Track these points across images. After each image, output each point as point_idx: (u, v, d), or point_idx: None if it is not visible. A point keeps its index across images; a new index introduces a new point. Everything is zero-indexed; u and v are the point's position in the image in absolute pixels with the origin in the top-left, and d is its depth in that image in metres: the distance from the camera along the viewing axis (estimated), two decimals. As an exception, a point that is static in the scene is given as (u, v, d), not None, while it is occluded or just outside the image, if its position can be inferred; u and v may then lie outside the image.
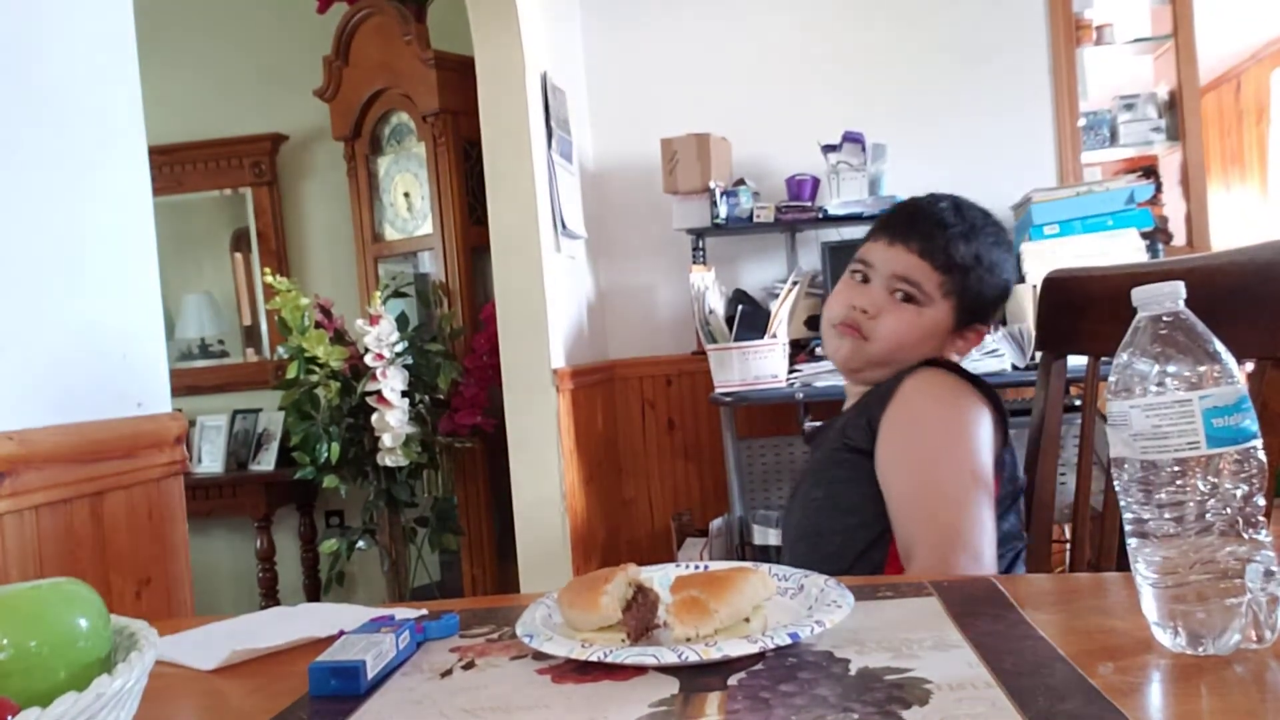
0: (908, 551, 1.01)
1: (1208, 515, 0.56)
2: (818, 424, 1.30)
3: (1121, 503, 0.60)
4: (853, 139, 2.80)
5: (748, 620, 0.64)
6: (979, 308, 1.15)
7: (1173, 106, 3.04)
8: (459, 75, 2.95)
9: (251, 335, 3.74)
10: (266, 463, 3.49)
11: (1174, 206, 3.08)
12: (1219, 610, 0.55)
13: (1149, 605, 0.58)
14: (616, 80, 3.18)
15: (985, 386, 1.11)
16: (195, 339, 3.71)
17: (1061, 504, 1.94)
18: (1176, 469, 0.56)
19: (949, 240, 1.12)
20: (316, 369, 2.73)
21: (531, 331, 2.55)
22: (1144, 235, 2.55)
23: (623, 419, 3.21)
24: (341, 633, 0.68)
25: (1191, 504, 0.56)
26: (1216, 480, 0.56)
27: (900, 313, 1.12)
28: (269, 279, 2.74)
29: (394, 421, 2.67)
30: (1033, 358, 2.51)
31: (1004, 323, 2.63)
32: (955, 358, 1.17)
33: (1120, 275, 1.03)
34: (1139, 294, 0.60)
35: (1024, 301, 2.61)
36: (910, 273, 1.12)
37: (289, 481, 3.17)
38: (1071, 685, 0.53)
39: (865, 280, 1.16)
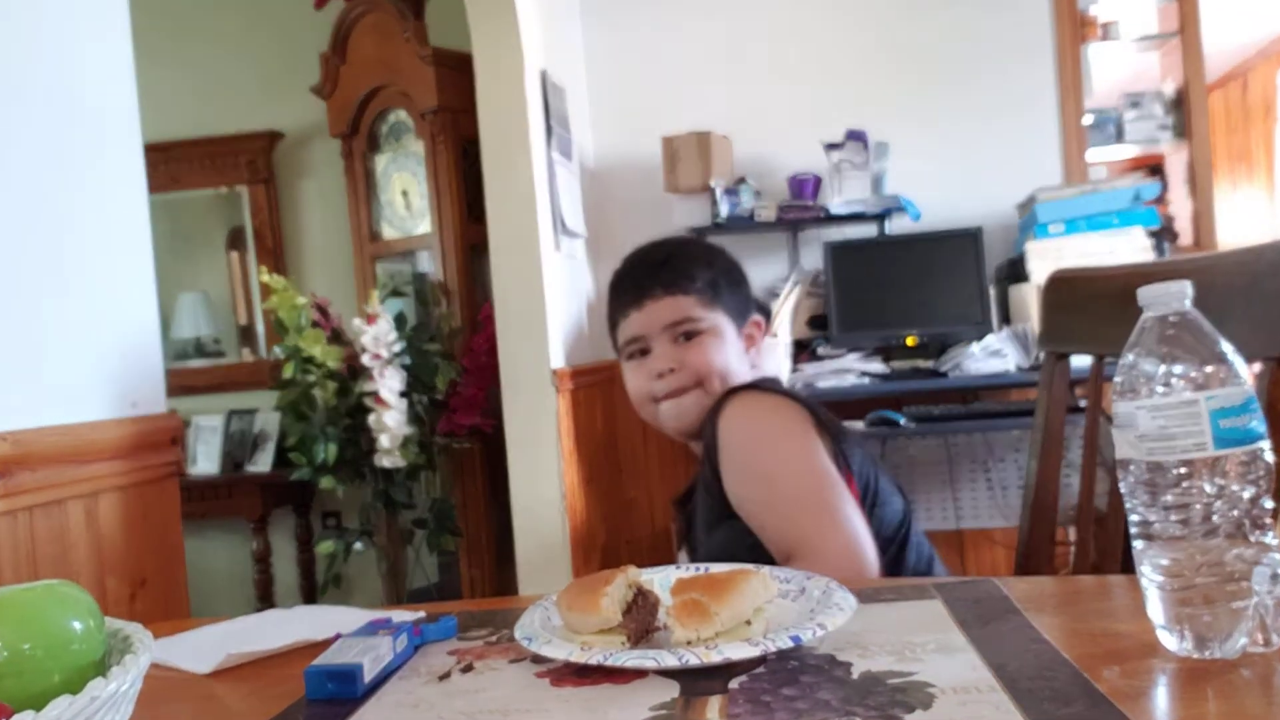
0: (787, 563, 0.99)
1: (1214, 517, 0.55)
2: (682, 497, 1.30)
3: (1127, 504, 0.59)
4: (855, 137, 2.79)
5: (749, 623, 0.64)
6: (739, 300, 1.20)
7: (1179, 104, 3.03)
8: (457, 72, 2.94)
9: (248, 335, 3.74)
10: (263, 464, 3.48)
11: (1180, 205, 3.07)
12: (1225, 613, 0.55)
13: (1154, 608, 0.58)
14: (617, 78, 3.18)
15: (791, 393, 1.13)
16: (191, 339, 3.70)
17: (1066, 506, 1.93)
18: (1183, 470, 0.56)
19: (675, 267, 1.17)
20: (313, 369, 2.72)
21: (530, 331, 2.54)
22: (1150, 234, 2.54)
23: (623, 419, 3.21)
24: (338, 635, 0.68)
25: (1198, 506, 0.56)
26: (1223, 482, 0.55)
27: (698, 347, 1.16)
28: (265, 278, 2.73)
29: (391, 422, 2.66)
30: (1036, 358, 2.50)
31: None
32: (754, 356, 1.20)
33: (1126, 275, 1.03)
34: (1145, 294, 0.59)
35: (1028, 301, 2.61)
36: (676, 313, 1.16)
37: (285, 482, 3.17)
38: (1076, 689, 0.52)
39: (645, 353, 1.19)
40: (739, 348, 1.19)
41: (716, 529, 1.09)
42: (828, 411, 1.11)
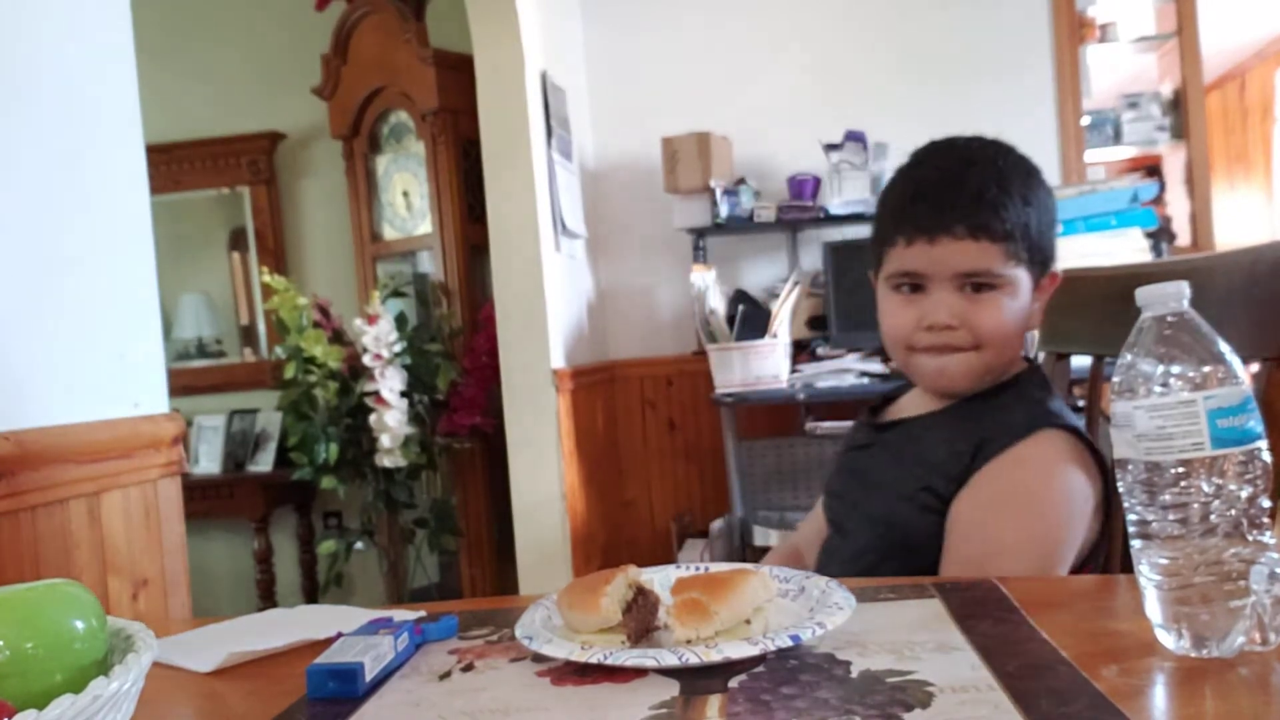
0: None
1: (1212, 517, 0.56)
2: (874, 417, 1.12)
3: (1125, 504, 0.59)
4: (855, 138, 2.79)
5: (748, 622, 0.64)
6: (1047, 252, 1.00)
7: (1177, 105, 3.04)
8: (458, 73, 2.94)
9: (249, 335, 3.74)
10: (264, 463, 3.49)
11: (1178, 205, 3.07)
12: (1223, 612, 0.55)
13: (1153, 607, 0.58)
14: (617, 78, 3.18)
15: (1095, 451, 0.97)
16: (192, 339, 3.70)
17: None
18: (1181, 470, 0.56)
19: (990, 206, 0.94)
20: (314, 369, 2.73)
21: (531, 331, 2.55)
22: (1148, 235, 2.54)
23: (623, 419, 3.21)
24: (339, 635, 0.68)
25: (1196, 505, 0.56)
26: (1221, 481, 0.56)
27: (988, 305, 0.96)
28: (267, 278, 2.74)
29: (392, 422, 2.67)
30: (1035, 358, 2.50)
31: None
32: (1039, 313, 1.02)
33: (1124, 275, 1.03)
34: (1143, 294, 0.59)
35: (1025, 301, 2.60)
36: (975, 263, 0.95)
37: (287, 482, 3.17)
38: (1075, 688, 0.52)
39: (917, 289, 0.99)
40: (1028, 307, 0.99)
41: (905, 504, 0.97)
42: (1096, 446, 0.97)
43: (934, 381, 1.01)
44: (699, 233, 2.90)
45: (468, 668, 0.66)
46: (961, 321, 0.96)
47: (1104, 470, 0.96)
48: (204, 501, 3.43)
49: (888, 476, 1.01)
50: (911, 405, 1.08)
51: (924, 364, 1.00)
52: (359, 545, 2.93)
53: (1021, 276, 0.97)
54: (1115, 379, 0.59)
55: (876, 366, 2.65)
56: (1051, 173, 2.96)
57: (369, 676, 0.62)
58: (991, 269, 0.95)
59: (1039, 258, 0.99)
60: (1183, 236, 3.01)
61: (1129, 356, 0.59)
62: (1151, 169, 3.19)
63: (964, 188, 0.96)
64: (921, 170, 1.01)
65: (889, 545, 0.98)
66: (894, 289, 1.01)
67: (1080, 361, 1.15)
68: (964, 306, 0.96)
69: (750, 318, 2.64)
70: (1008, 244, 0.95)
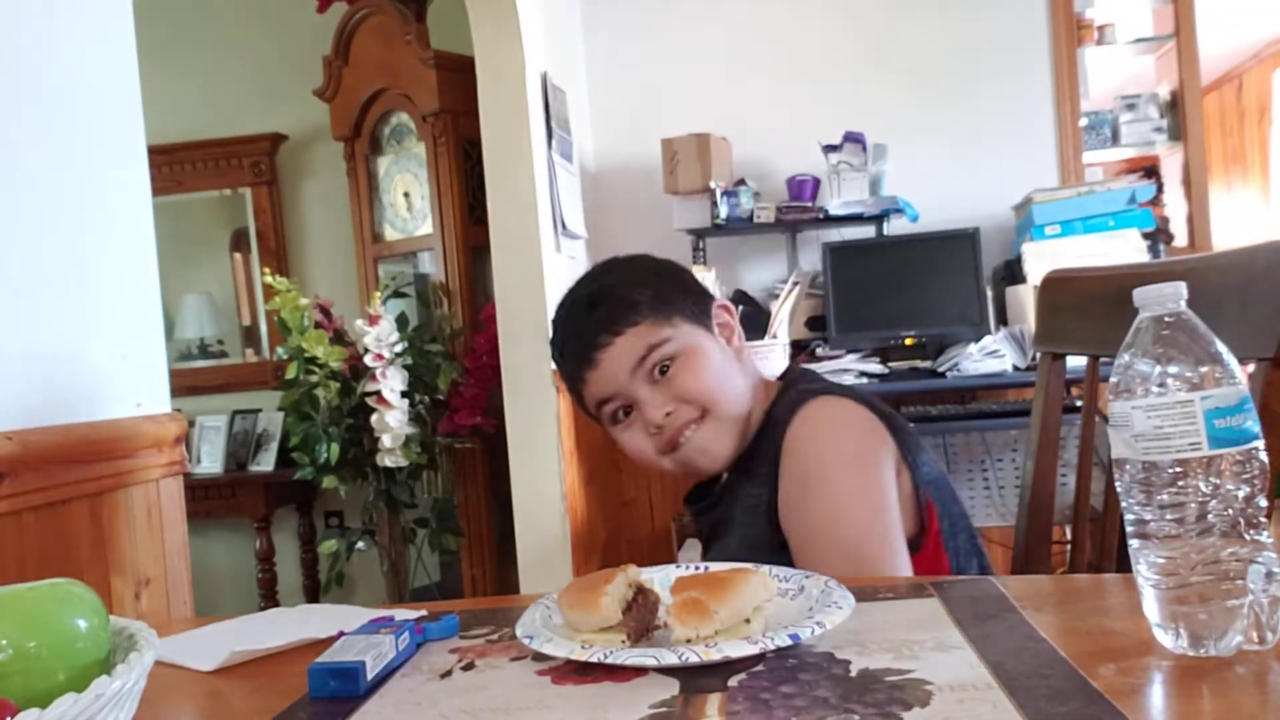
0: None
1: (1209, 516, 0.56)
2: (701, 504, 1.13)
3: (1122, 504, 0.60)
4: (853, 139, 2.80)
5: (748, 621, 0.64)
6: (694, 299, 1.04)
7: (1174, 106, 3.04)
8: (459, 75, 2.94)
9: (251, 335, 3.74)
10: (266, 463, 3.49)
11: (1175, 207, 3.07)
12: (1220, 612, 0.55)
13: (1150, 606, 0.58)
14: (617, 80, 3.18)
15: (860, 396, 1.01)
16: (194, 339, 3.71)
17: (1062, 505, 1.94)
18: (1178, 470, 0.56)
19: (609, 303, 1.01)
20: (316, 369, 2.73)
21: (532, 332, 2.55)
22: (1145, 235, 2.55)
23: (623, 419, 3.21)
24: (341, 634, 0.68)
25: (1193, 505, 0.56)
26: (1218, 481, 0.56)
27: (683, 373, 0.99)
28: (268, 279, 2.74)
29: (394, 422, 2.67)
30: (1033, 358, 2.51)
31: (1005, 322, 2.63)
32: (738, 345, 1.06)
33: (1121, 275, 1.03)
34: (1140, 294, 0.60)
35: (1025, 302, 2.61)
36: (636, 351, 0.99)
37: (288, 482, 3.17)
38: (1073, 687, 0.52)
39: (629, 410, 1.02)
40: (722, 352, 1.03)
41: (764, 554, 0.96)
42: (891, 409, 1.01)
43: (705, 462, 1.03)
44: (698, 233, 2.91)
45: (468, 667, 0.66)
46: (675, 402, 0.99)
47: (890, 421, 0.99)
48: (206, 501, 3.43)
49: (735, 544, 1.03)
50: (712, 480, 1.11)
51: (684, 458, 1.02)
52: (360, 545, 2.93)
53: (688, 332, 1.01)
54: (1113, 379, 0.60)
55: (875, 367, 2.65)
56: (1050, 174, 2.97)
57: (370, 675, 0.62)
58: (651, 343, 0.99)
59: (688, 309, 1.02)
60: (1180, 237, 3.02)
61: (1126, 357, 0.59)
62: (1149, 170, 3.19)
63: (581, 311, 1.03)
64: (555, 329, 1.07)
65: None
66: (614, 423, 1.04)
67: (1077, 362, 1.15)
68: (666, 390, 0.99)
69: (749, 318, 2.64)
70: (650, 317, 1.00)
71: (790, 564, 0.95)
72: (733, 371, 1.03)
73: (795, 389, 1.03)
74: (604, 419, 1.05)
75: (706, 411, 1.00)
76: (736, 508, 1.04)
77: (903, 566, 0.93)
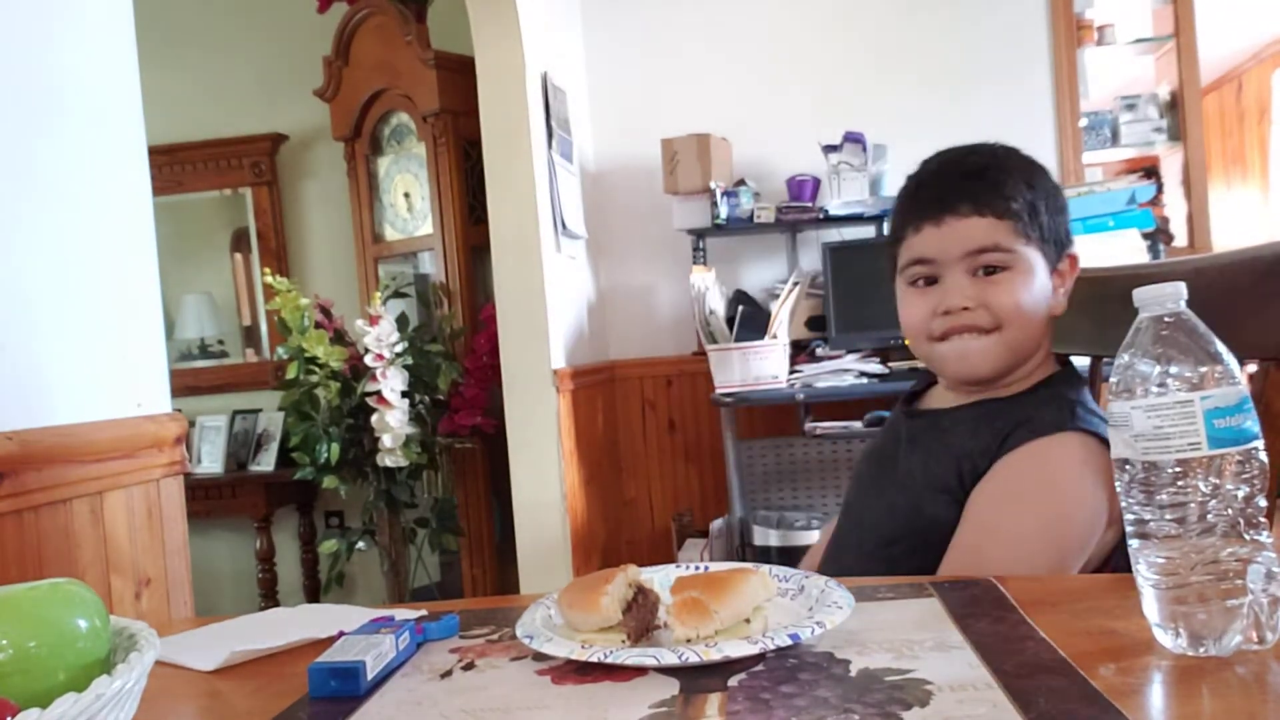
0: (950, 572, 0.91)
1: (1209, 516, 0.56)
2: (908, 405, 1.10)
3: (1123, 504, 0.60)
4: (853, 139, 2.80)
5: (748, 621, 0.64)
6: (1059, 233, 0.99)
7: (1174, 107, 3.04)
8: (459, 75, 2.95)
9: (251, 335, 3.74)
10: (266, 463, 3.49)
11: (1175, 207, 3.07)
12: (1220, 611, 0.55)
13: (1150, 606, 0.58)
14: (617, 80, 3.18)
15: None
16: (195, 339, 3.71)
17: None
18: (1178, 470, 0.56)
19: (991, 182, 0.96)
20: (316, 369, 2.73)
21: (531, 332, 2.55)
22: (1145, 236, 2.55)
23: (623, 419, 3.21)
24: (341, 634, 0.68)
25: (1193, 505, 0.56)
26: (1218, 481, 0.56)
27: (1003, 285, 0.95)
28: (269, 279, 2.74)
29: (394, 422, 2.67)
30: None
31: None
32: (1060, 299, 1.00)
33: (1121, 276, 1.03)
34: (1140, 294, 0.60)
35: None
36: (983, 239, 0.95)
37: (289, 482, 3.17)
38: (1073, 686, 0.53)
39: (932, 281, 0.99)
40: (1047, 287, 0.98)
41: (931, 495, 0.96)
42: None
43: (956, 368, 1.00)
44: (699, 233, 2.91)
45: (469, 666, 0.66)
46: (978, 303, 0.96)
47: None
48: (206, 501, 3.44)
49: (914, 467, 1.00)
50: (941, 398, 1.07)
51: (944, 351, 0.99)
52: (360, 545, 2.93)
53: (1033, 256, 0.97)
54: (1113, 379, 0.60)
55: (875, 367, 2.65)
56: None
57: (370, 675, 0.63)
58: (1000, 244, 0.95)
59: (1050, 238, 0.98)
60: (1180, 237, 3.02)
61: (1126, 357, 0.59)
62: (1149, 170, 3.18)
63: (965, 169, 0.98)
64: (925, 167, 1.03)
65: (914, 535, 0.97)
66: (910, 284, 1.01)
67: (1078, 362, 1.15)
68: (978, 289, 0.96)
69: (750, 318, 2.64)
70: (1014, 220, 0.95)
71: (939, 513, 0.94)
72: (1041, 314, 0.98)
73: (1069, 400, 0.97)
74: (901, 271, 1.02)
75: (997, 329, 0.97)
76: (935, 437, 1.01)
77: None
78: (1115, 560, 0.96)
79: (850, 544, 1.05)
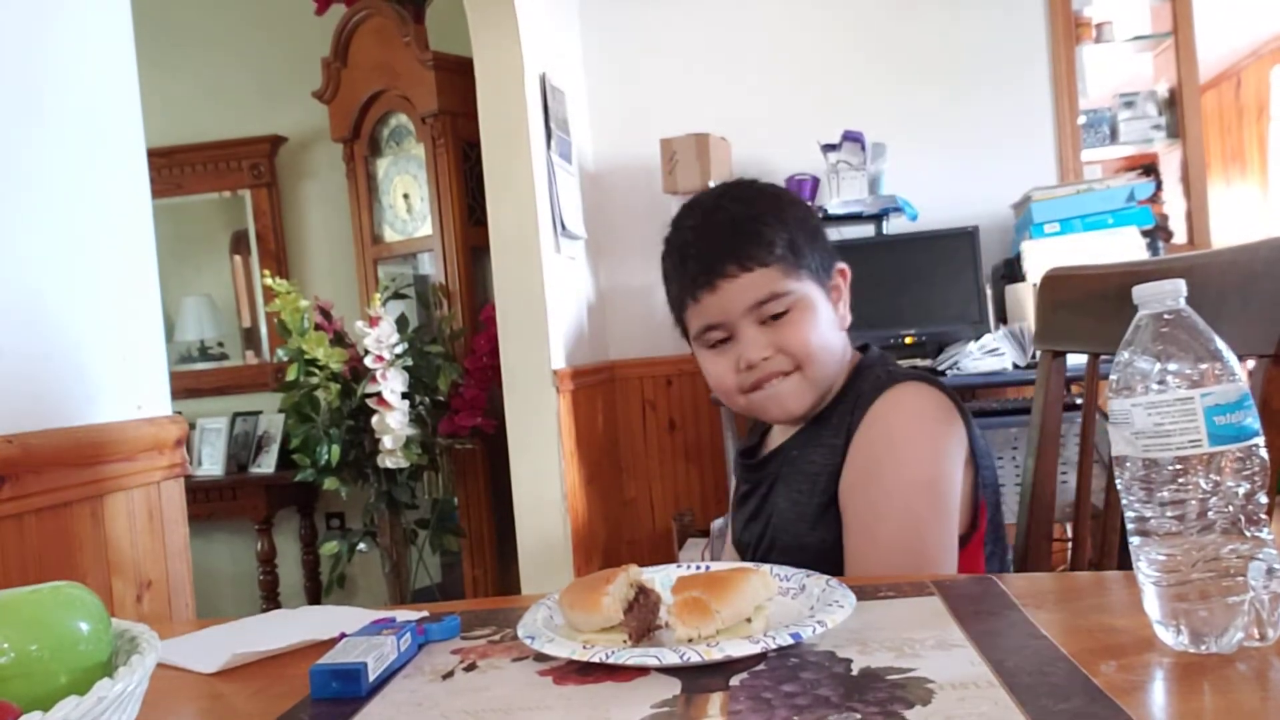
0: (858, 568, 0.93)
1: (1210, 513, 0.56)
2: (750, 456, 1.15)
3: (1123, 501, 0.60)
4: (852, 138, 2.80)
5: (749, 621, 0.64)
6: (820, 254, 1.03)
7: (1173, 104, 3.04)
8: (458, 76, 2.95)
9: (251, 337, 3.75)
10: (267, 465, 3.49)
11: (1174, 204, 3.08)
12: (1221, 608, 0.55)
13: (1151, 603, 0.58)
14: (616, 80, 3.19)
15: (953, 396, 1.00)
16: (195, 341, 3.71)
17: (1063, 503, 1.94)
18: (1178, 467, 0.56)
19: (752, 233, 0.99)
20: (316, 371, 2.73)
21: (531, 332, 2.55)
22: (1144, 233, 2.55)
23: (623, 420, 3.21)
24: (343, 635, 0.68)
25: (1193, 502, 0.56)
26: (1218, 478, 0.56)
27: (792, 327, 0.99)
28: (268, 281, 2.74)
29: (394, 423, 2.67)
30: (1033, 356, 2.51)
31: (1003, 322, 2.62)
32: (842, 310, 1.05)
33: (1121, 273, 1.03)
34: (1140, 292, 0.60)
35: (1025, 300, 2.61)
36: (759, 292, 0.98)
37: (289, 484, 3.17)
38: (1074, 684, 0.53)
39: (725, 341, 1.02)
40: (830, 312, 1.02)
41: (810, 526, 0.99)
42: (959, 398, 1.01)
43: (777, 413, 1.04)
44: (698, 233, 2.90)
45: (470, 667, 0.66)
46: (774, 349, 1.00)
47: (966, 418, 0.99)
48: (207, 503, 3.44)
49: (783, 506, 1.03)
50: (777, 436, 1.11)
51: (760, 401, 1.03)
52: (361, 546, 2.93)
53: (809, 289, 1.01)
54: (1113, 377, 0.60)
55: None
56: (1049, 172, 2.97)
57: (372, 677, 0.63)
58: (775, 291, 0.99)
59: (816, 266, 1.02)
60: (1179, 234, 3.02)
61: (1126, 354, 0.59)
62: (1148, 168, 3.20)
63: (719, 231, 1.01)
64: (681, 233, 1.05)
65: (815, 567, 0.99)
66: (707, 347, 1.04)
67: (1077, 359, 1.15)
68: (771, 335, 1.00)
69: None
70: (780, 263, 0.99)
71: (826, 535, 0.98)
72: (834, 336, 1.03)
73: (882, 368, 1.03)
74: (694, 337, 1.05)
75: (799, 368, 1.00)
76: (790, 470, 1.04)
77: (950, 564, 0.93)
78: (985, 496, 1.01)
79: None
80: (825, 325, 1.01)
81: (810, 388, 1.01)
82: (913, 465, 0.96)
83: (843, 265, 1.06)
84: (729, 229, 1.00)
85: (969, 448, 1.00)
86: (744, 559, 1.11)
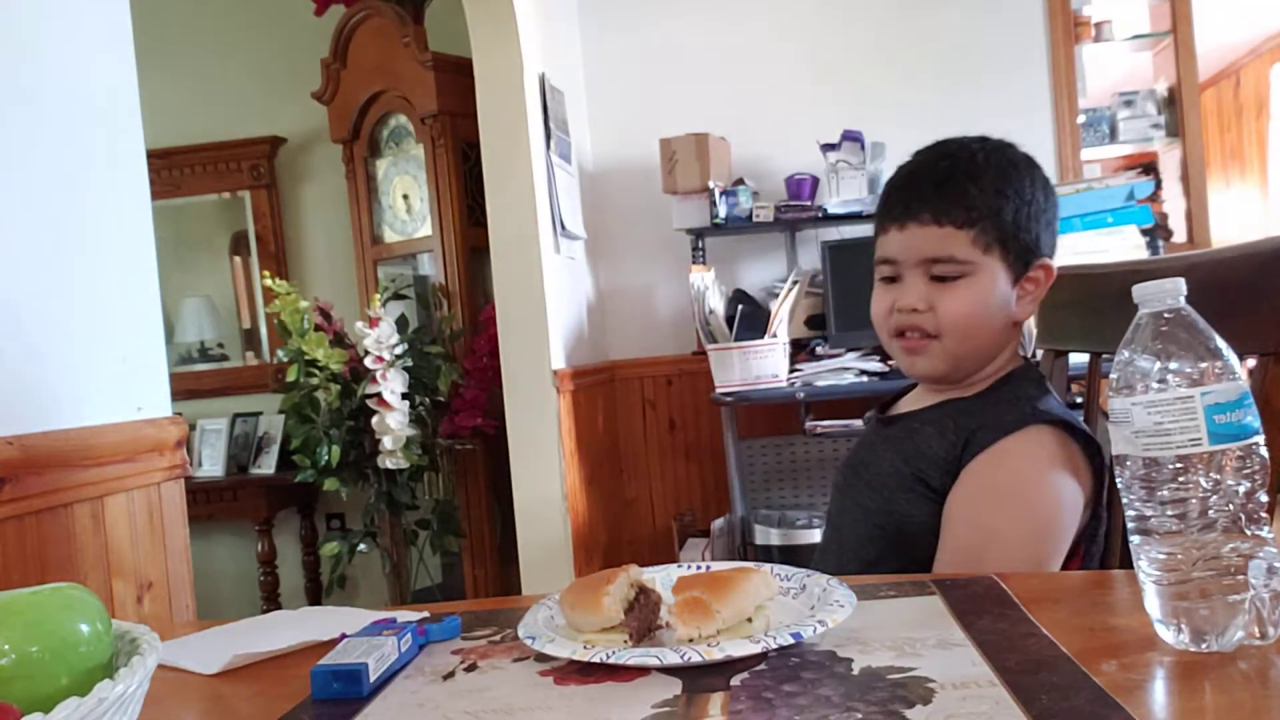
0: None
1: (1210, 512, 0.56)
2: (881, 414, 1.13)
3: (1124, 500, 0.60)
4: (852, 138, 2.80)
5: (750, 620, 0.64)
6: (1028, 243, 0.99)
7: (1172, 103, 3.04)
8: (457, 77, 2.95)
9: (251, 338, 3.75)
10: (267, 466, 3.49)
11: (1174, 203, 3.08)
12: (1222, 607, 0.55)
13: (1152, 602, 0.58)
14: (615, 80, 3.18)
15: (1090, 443, 0.97)
16: (195, 342, 3.71)
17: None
18: (1179, 466, 0.56)
19: (953, 191, 0.97)
20: (316, 372, 2.73)
21: (531, 333, 2.55)
22: (1144, 232, 2.54)
23: (623, 419, 3.21)
24: (343, 636, 0.68)
25: (1194, 501, 0.56)
26: (1219, 477, 0.56)
27: (954, 293, 0.98)
28: (268, 282, 2.74)
29: (394, 424, 2.67)
30: (1033, 355, 2.51)
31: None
32: (1025, 307, 1.01)
33: (1121, 272, 1.03)
34: (1140, 290, 0.60)
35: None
36: (938, 249, 0.97)
37: (290, 485, 3.17)
38: (1075, 683, 0.53)
39: (894, 279, 1.02)
40: (1005, 300, 0.99)
41: (901, 495, 0.98)
42: (1097, 444, 0.97)
43: (905, 366, 1.05)
44: (697, 233, 2.91)
45: (471, 668, 0.66)
46: (928, 305, 0.99)
47: (1098, 465, 0.97)
48: (207, 504, 3.44)
49: (885, 469, 1.03)
50: (912, 401, 1.11)
51: (896, 347, 1.04)
52: (362, 547, 2.93)
53: (992, 265, 0.98)
54: (1113, 375, 0.60)
55: (875, 365, 2.65)
56: (1048, 171, 2.96)
57: (373, 677, 0.63)
58: (955, 255, 0.97)
59: (1016, 248, 0.99)
60: (1179, 233, 3.02)
61: (1126, 353, 0.59)
62: (1147, 167, 3.19)
63: (932, 177, 1.00)
64: (908, 164, 1.05)
65: (888, 537, 1.00)
66: (879, 279, 1.05)
67: (1078, 358, 1.15)
68: (931, 293, 0.99)
69: (749, 317, 2.64)
70: (973, 230, 0.97)
71: (912, 512, 0.97)
72: (994, 322, 1.00)
73: (1032, 391, 1.00)
74: (875, 266, 1.05)
75: (941, 335, 0.99)
76: (906, 437, 1.03)
77: None
78: (1085, 545, 0.98)
79: (831, 552, 1.08)
80: (990, 308, 0.99)
81: (944, 359, 1.00)
82: (1026, 513, 0.94)
83: (1050, 264, 1.02)
84: (943, 179, 0.99)
85: (1094, 497, 0.97)
86: (830, 506, 1.13)
